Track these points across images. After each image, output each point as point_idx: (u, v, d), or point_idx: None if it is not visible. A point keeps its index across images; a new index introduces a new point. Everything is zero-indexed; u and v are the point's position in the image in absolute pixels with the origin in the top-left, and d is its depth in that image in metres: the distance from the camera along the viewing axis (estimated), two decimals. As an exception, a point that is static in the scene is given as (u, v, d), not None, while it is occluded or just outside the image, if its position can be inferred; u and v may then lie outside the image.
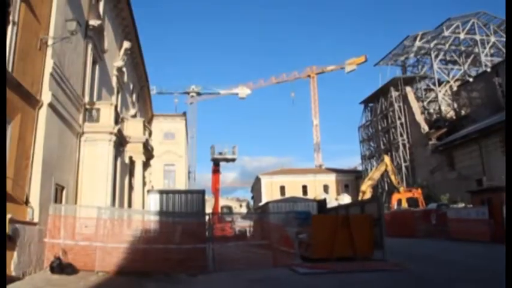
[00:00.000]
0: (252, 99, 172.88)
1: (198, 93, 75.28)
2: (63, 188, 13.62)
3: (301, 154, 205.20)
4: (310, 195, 62.47)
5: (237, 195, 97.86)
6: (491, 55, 55.58)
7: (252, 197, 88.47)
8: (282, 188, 72.26)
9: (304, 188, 72.96)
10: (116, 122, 17.04)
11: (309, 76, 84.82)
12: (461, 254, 17.59)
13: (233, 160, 41.59)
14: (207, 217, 14.55)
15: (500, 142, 37.09)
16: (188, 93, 74.54)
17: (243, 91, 77.39)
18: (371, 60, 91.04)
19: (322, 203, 34.50)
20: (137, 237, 12.74)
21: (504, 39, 55.27)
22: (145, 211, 18.12)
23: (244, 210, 77.49)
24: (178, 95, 74.58)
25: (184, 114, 53.06)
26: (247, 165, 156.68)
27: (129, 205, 20.61)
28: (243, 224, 27.55)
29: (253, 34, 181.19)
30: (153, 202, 20.03)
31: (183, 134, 49.80)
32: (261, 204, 58.09)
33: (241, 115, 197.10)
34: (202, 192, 21.55)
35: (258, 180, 77.47)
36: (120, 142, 18.07)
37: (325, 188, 73.01)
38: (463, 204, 31.55)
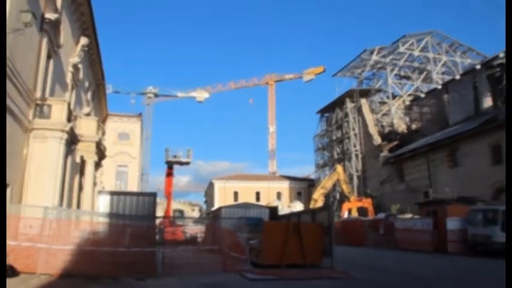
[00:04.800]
0: (210, 104, 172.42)
1: (156, 95, 74.26)
2: (7, 185, 13.11)
3: (256, 160, 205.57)
4: (263, 202, 62.74)
5: (190, 199, 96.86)
6: (443, 73, 57.86)
7: (205, 202, 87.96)
8: (236, 194, 72.28)
9: (258, 194, 73.23)
10: (69, 119, 16.57)
11: (267, 83, 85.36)
12: (406, 263, 18.17)
13: (187, 163, 41.27)
14: (158, 220, 14.36)
15: (446, 157, 38.63)
16: (145, 94, 73.40)
17: (201, 95, 76.98)
18: (329, 71, 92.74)
19: (274, 210, 34.81)
20: (85, 239, 12.41)
21: (454, 59, 57.78)
22: (95, 212, 17.72)
23: (196, 214, 76.90)
24: (135, 95, 73.33)
25: (140, 115, 52.25)
26: (201, 169, 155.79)
27: (78, 206, 20.07)
28: (195, 229, 27.31)
29: (214, 38, 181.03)
30: (103, 203, 19.64)
31: (138, 135, 49.00)
32: (213, 209, 57.88)
33: (198, 119, 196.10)
34: (153, 195, 21.30)
35: (211, 185, 77.17)
36: (72, 140, 17.57)
37: (278, 195, 73.57)
38: (410, 215, 32.60)
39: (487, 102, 40.47)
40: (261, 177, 78.70)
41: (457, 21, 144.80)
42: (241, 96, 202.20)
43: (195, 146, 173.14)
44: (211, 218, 38.39)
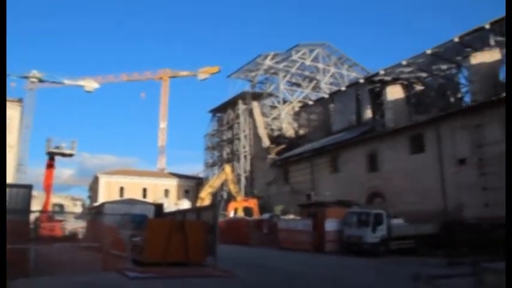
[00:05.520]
0: (100, 94, 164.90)
1: (40, 80, 69.00)
2: None
3: (145, 156, 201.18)
4: (150, 199, 61.60)
5: (73, 193, 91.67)
6: (330, 83, 61.19)
7: (89, 196, 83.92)
8: (121, 189, 69.98)
9: (145, 190, 71.62)
10: None
11: (161, 78, 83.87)
12: (286, 262, 19.00)
13: (71, 155, 39.01)
14: (33, 215, 13.46)
15: (328, 162, 40.98)
16: (28, 78, 67.93)
17: (90, 84, 73.31)
18: (224, 71, 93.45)
19: (160, 207, 34.40)
20: None
21: (341, 71, 61.64)
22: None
23: (78, 209, 73.04)
24: (16, 78, 67.51)
25: (20, 100, 48.30)
26: (86, 162, 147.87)
27: None
28: (76, 225, 26.04)
29: (108, 28, 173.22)
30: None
31: (16, 122, 45.24)
32: (96, 204, 55.53)
33: (86, 109, 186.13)
34: (29, 187, 19.86)
35: (96, 179, 73.85)
36: None
37: (166, 192, 72.68)
38: (293, 216, 34.00)
39: (367, 114, 43.66)
40: (149, 174, 77.15)
41: (346, 36, 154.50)
42: (134, 89, 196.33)
43: (81, 137, 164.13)
44: (94, 213, 36.85)
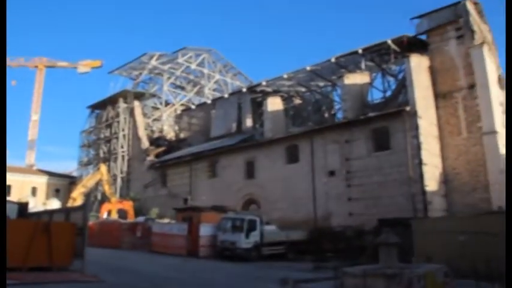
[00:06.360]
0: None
1: None
2: None
3: (12, 150, 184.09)
4: (15, 197, 56.67)
5: None
6: (214, 89, 61.84)
7: None
8: (-20, 186, 63.55)
9: (9, 188, 65.72)
10: None
11: (36, 67, 78.00)
12: (158, 266, 18.81)
13: None
14: None
15: (207, 167, 41.37)
16: None
17: None
18: (107, 67, 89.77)
19: (24, 206, 31.88)
20: None
21: (226, 79, 62.66)
22: None
23: None
24: None
25: None
26: None
27: None
28: None
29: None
30: None
31: None
32: None
33: None
34: None
35: (-51, 173, 66.23)
36: None
37: (34, 191, 67.44)
38: (168, 220, 33.70)
39: (248, 122, 44.87)
40: (15, 169, 70.59)
41: (232, 44, 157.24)
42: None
43: None
44: None
